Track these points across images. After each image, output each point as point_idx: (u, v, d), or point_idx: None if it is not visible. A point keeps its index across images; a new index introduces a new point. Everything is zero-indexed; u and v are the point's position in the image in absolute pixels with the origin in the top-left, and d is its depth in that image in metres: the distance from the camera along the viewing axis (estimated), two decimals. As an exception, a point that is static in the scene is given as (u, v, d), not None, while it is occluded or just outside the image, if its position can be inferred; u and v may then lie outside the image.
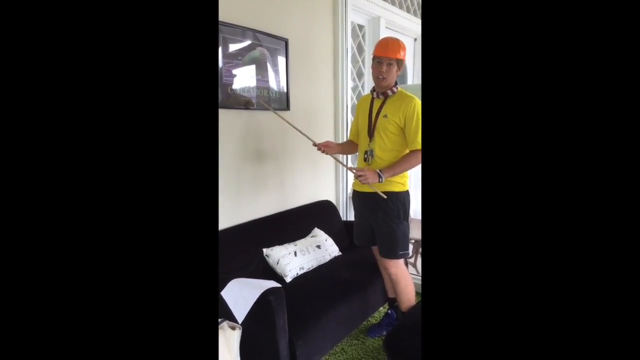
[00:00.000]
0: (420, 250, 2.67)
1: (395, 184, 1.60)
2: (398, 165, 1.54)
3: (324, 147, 1.68)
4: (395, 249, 1.61)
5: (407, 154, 1.57)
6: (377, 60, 1.54)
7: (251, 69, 1.83)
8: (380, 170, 1.52)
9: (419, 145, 1.52)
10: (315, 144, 1.67)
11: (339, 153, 1.84)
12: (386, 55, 1.52)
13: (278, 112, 1.74)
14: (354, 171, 1.55)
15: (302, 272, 1.81)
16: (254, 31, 1.81)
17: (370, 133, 1.60)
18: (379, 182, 1.51)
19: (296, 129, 1.67)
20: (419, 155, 1.53)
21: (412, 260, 2.54)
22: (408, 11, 3.02)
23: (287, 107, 2.05)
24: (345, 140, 2.39)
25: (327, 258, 1.96)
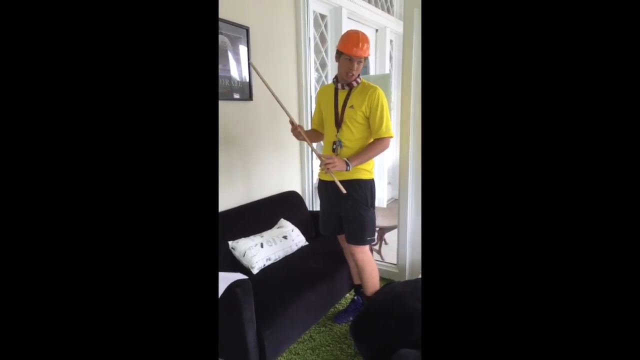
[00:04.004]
0: (385, 237, 2.75)
1: (363, 172, 1.65)
2: (364, 153, 1.59)
3: (298, 129, 1.65)
4: (364, 234, 1.67)
5: (372, 142, 1.62)
6: (348, 58, 1.54)
7: (211, 58, 1.77)
8: (347, 159, 1.56)
9: (383, 134, 1.59)
10: (292, 122, 1.64)
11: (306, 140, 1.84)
12: (361, 56, 1.53)
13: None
14: (323, 158, 1.56)
15: (269, 263, 1.81)
16: (213, 18, 1.75)
17: (338, 124, 1.63)
18: (346, 170, 1.55)
19: (281, 105, 1.62)
20: (384, 143, 1.61)
21: (376, 247, 2.61)
22: (369, 2, 3.05)
23: (250, 97, 2.02)
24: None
25: (294, 248, 1.97)
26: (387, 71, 3.37)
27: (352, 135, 1.61)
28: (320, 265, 1.84)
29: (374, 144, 1.61)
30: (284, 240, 1.92)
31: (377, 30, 3.32)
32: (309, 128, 2.43)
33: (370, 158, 1.62)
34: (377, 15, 3.14)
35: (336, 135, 1.63)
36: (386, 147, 1.63)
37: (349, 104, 1.60)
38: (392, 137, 1.62)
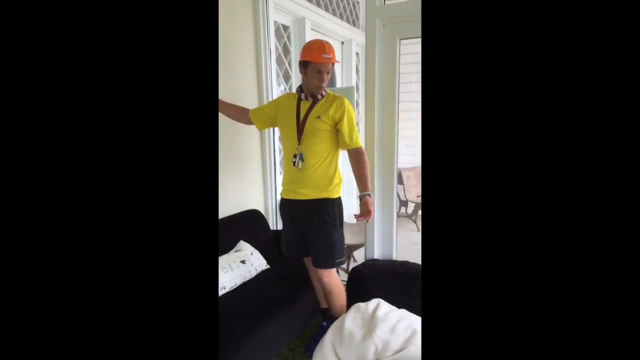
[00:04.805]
0: (353, 254, 2.65)
1: (331, 191, 1.57)
2: (362, 175, 1.55)
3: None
4: (332, 257, 1.58)
5: (356, 160, 1.56)
6: (317, 70, 1.47)
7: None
8: (365, 193, 1.52)
9: (354, 144, 1.55)
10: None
11: (223, 110, 1.77)
12: (329, 62, 1.48)
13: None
14: (370, 217, 1.53)
15: (223, 292, 1.65)
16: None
17: (299, 135, 1.54)
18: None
19: None
20: (362, 155, 1.56)
21: (344, 266, 2.50)
22: (334, 14, 3.00)
23: (205, 111, 1.88)
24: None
25: (253, 273, 1.82)
26: (353, 84, 3.33)
27: (315, 149, 1.53)
28: (281, 291, 1.70)
29: (359, 161, 1.55)
30: (241, 266, 1.77)
31: (342, 43, 3.29)
32: (273, 146, 2.33)
33: (368, 175, 1.56)
34: (342, 28, 3.10)
35: (297, 148, 1.53)
36: (365, 157, 1.57)
37: (314, 115, 1.52)
38: (360, 147, 1.57)
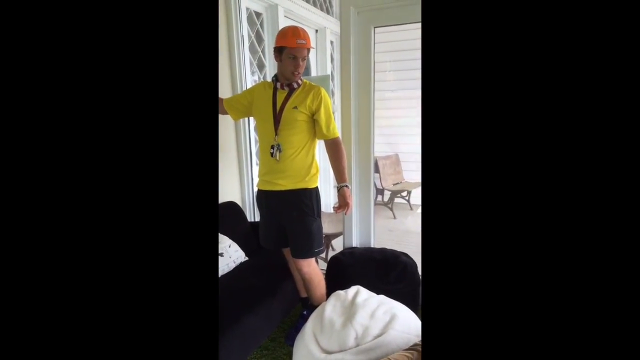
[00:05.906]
0: (332, 243, 2.67)
1: (308, 181, 1.57)
2: (340, 165, 1.56)
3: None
4: (311, 247, 1.58)
5: (334, 151, 1.56)
6: (292, 56, 1.45)
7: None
8: (342, 185, 1.54)
9: (331, 135, 1.55)
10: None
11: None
12: (304, 47, 1.46)
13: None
14: (349, 209, 1.55)
15: (202, 285, 1.63)
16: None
17: (276, 126, 1.52)
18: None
19: None
20: (340, 146, 1.57)
21: (322, 255, 2.52)
22: (307, 1, 2.95)
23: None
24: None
25: (232, 266, 1.81)
26: (328, 72, 3.31)
27: (291, 139, 1.52)
28: (261, 282, 1.69)
29: (336, 152, 1.55)
30: (219, 258, 1.74)
31: (317, 31, 3.24)
32: (249, 137, 2.29)
33: (345, 165, 1.57)
34: (316, 16, 3.05)
35: (274, 139, 1.51)
36: (342, 148, 1.58)
37: (290, 105, 1.50)
38: (338, 137, 1.57)
